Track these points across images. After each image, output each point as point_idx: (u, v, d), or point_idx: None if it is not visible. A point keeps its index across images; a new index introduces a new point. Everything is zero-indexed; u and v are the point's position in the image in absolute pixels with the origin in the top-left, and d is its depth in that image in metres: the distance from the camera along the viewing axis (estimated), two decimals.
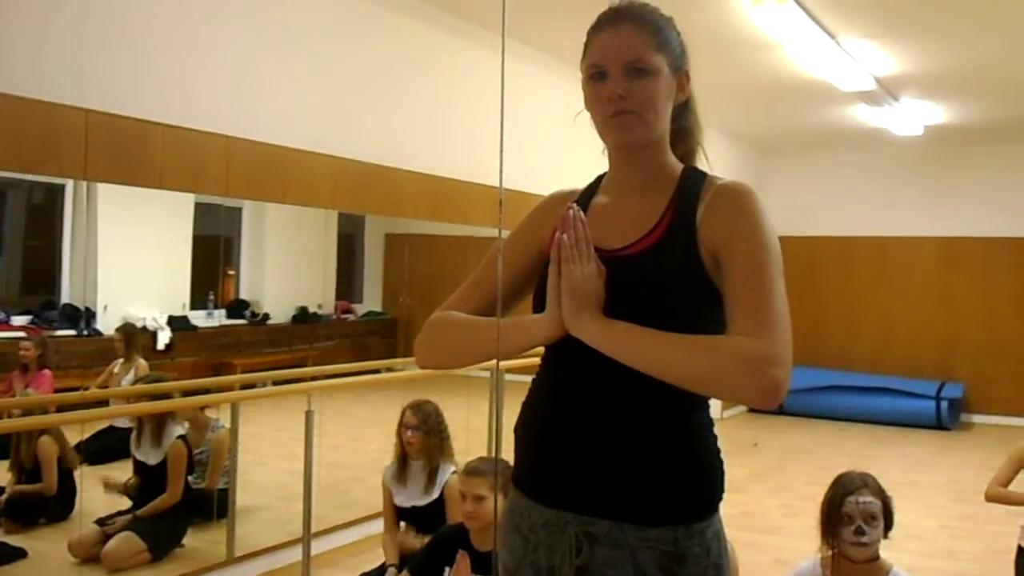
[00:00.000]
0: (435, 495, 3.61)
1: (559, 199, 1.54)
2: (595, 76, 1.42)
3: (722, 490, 1.41)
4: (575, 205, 1.37)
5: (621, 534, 1.34)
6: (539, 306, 1.44)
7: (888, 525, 2.55)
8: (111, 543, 3.95)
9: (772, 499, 5.84)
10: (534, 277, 1.51)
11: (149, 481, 4.14)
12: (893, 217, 9.29)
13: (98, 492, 4.24)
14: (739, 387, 1.26)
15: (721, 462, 1.42)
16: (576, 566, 1.36)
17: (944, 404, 8.50)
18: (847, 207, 9.47)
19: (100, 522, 4.08)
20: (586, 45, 1.44)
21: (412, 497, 3.65)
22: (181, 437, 4.17)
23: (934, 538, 5.09)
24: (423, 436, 3.62)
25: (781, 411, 9.08)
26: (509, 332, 1.40)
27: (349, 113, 4.48)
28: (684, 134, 1.50)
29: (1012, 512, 3.32)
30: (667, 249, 1.38)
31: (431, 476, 3.63)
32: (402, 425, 3.67)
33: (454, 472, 3.58)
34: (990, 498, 3.21)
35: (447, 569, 2.90)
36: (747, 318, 1.29)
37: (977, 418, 8.90)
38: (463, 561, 2.80)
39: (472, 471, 2.89)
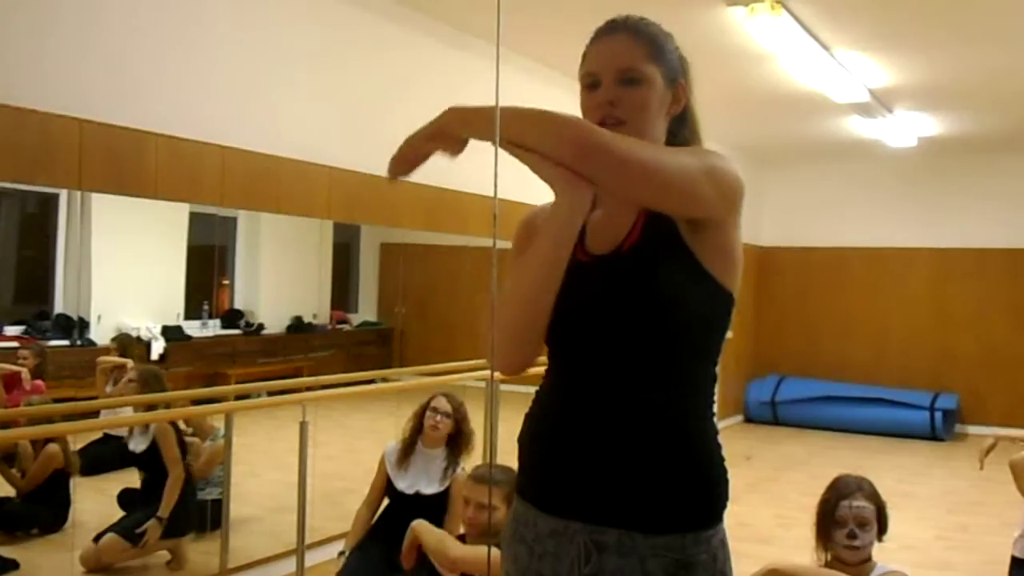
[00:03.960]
0: (442, 487, 3.56)
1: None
2: (589, 85, 1.44)
3: (727, 498, 1.42)
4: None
5: (631, 542, 1.34)
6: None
7: (882, 529, 2.57)
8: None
9: (767, 509, 5.83)
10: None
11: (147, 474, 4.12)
12: (887, 228, 9.32)
13: (92, 503, 4.22)
14: (555, 132, 1.27)
15: (726, 471, 1.43)
16: (585, 575, 1.36)
17: (938, 415, 8.51)
18: (841, 218, 9.50)
19: (126, 535, 3.98)
20: (583, 55, 1.46)
21: (417, 483, 3.59)
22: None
23: (928, 549, 5.09)
24: (452, 424, 3.58)
25: (776, 421, 9.10)
26: (546, 238, 1.36)
27: (345, 123, 4.49)
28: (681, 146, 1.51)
29: (1006, 523, 3.33)
30: (651, 237, 1.39)
31: (449, 467, 3.57)
32: (430, 408, 3.61)
33: (462, 469, 3.57)
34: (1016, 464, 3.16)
35: None
36: None
37: (972, 429, 8.91)
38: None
39: (478, 478, 2.87)
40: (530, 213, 1.56)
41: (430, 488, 3.57)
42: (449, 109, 1.34)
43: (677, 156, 1.34)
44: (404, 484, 3.60)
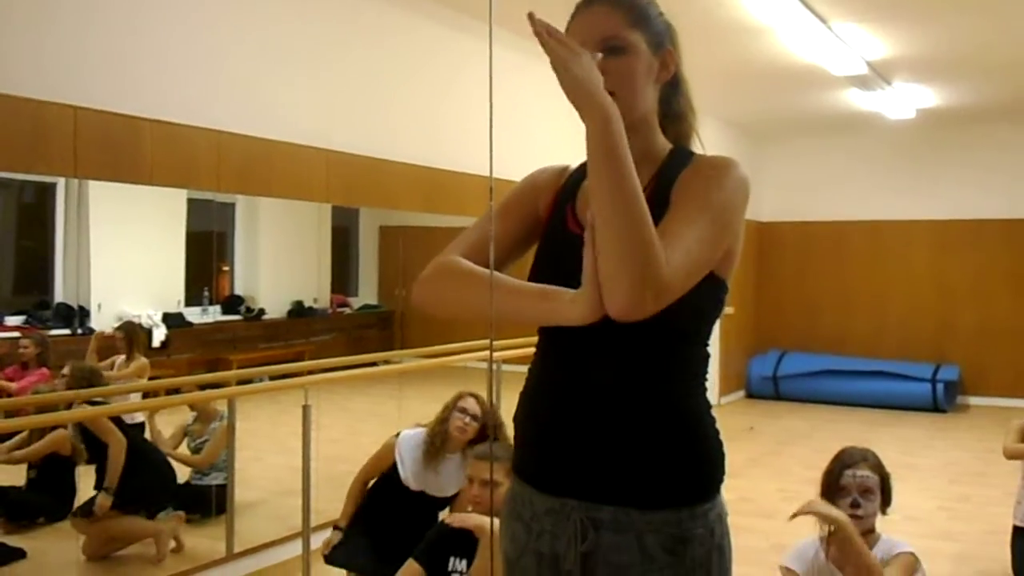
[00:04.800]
0: (452, 493, 3.43)
1: (554, 173, 1.54)
2: None
3: (723, 472, 1.42)
4: (537, 18, 1.31)
5: (627, 518, 1.35)
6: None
7: (886, 501, 2.58)
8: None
9: (770, 484, 5.86)
10: (523, 244, 1.51)
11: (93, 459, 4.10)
12: (886, 201, 9.30)
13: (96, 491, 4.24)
14: (616, 288, 1.22)
15: (721, 444, 1.43)
16: (581, 552, 1.37)
17: (940, 386, 8.54)
18: (840, 191, 9.48)
19: (84, 513, 4.01)
20: (565, 32, 1.43)
21: (425, 483, 3.44)
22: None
23: (931, 519, 5.12)
24: (478, 428, 3.41)
25: (777, 396, 9.12)
26: (535, 303, 1.32)
27: (341, 106, 4.47)
28: (676, 118, 1.49)
29: (1008, 493, 3.35)
30: (652, 214, 1.34)
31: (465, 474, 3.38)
32: (457, 409, 3.42)
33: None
34: (1010, 455, 3.23)
35: (452, 558, 2.90)
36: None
37: (974, 400, 8.94)
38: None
39: (482, 455, 2.88)
40: (538, 172, 1.55)
41: (440, 493, 3.44)
42: (606, 107, 1.25)
43: (696, 259, 1.28)
44: (414, 482, 3.46)
